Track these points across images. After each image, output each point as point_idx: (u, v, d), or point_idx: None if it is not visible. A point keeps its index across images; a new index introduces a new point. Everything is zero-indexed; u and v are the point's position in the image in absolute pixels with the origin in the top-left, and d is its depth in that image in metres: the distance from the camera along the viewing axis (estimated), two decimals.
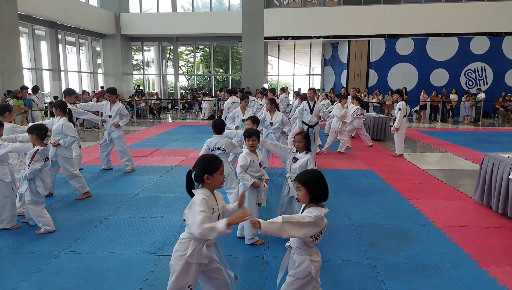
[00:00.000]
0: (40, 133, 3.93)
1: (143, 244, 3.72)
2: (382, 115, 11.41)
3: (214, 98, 17.66)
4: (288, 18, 17.35)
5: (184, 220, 2.22)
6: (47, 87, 16.11)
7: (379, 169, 6.86)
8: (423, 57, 16.72)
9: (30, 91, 11.27)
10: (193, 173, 2.24)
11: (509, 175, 4.34)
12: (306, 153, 3.56)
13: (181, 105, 19.06)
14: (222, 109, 11.19)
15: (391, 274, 3.17)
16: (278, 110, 6.53)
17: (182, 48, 22.07)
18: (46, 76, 15.93)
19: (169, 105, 20.14)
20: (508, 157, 4.58)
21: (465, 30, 16.25)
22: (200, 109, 17.56)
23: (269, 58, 20.77)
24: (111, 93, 6.54)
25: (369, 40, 17.16)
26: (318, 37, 17.63)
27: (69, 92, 6.32)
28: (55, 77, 15.70)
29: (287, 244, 2.35)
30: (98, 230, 4.05)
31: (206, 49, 22.06)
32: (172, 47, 20.88)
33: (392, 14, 16.60)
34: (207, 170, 2.21)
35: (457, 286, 3.00)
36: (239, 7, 18.58)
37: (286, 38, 17.81)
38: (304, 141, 3.55)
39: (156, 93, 19.48)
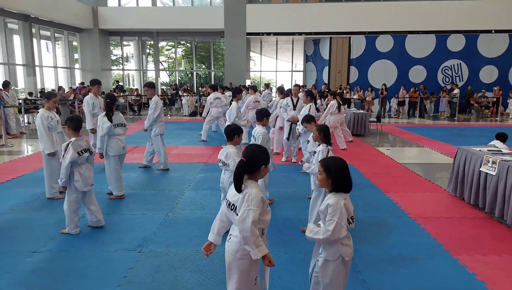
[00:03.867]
0: (72, 124, 3.78)
1: (122, 241, 3.69)
2: (362, 111, 11.60)
3: (196, 95, 17.51)
4: (270, 14, 17.36)
5: (235, 210, 2.06)
6: (21, 83, 15.59)
7: (359, 163, 6.98)
8: (402, 54, 17.07)
9: (0, 86, 10.85)
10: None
11: (480, 167, 4.51)
12: (326, 145, 3.65)
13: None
14: (204, 106, 11.15)
15: (367, 265, 3.25)
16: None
17: (162, 43, 21.76)
18: (20, 71, 15.41)
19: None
20: (480, 150, 4.75)
21: (442, 28, 16.67)
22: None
23: (251, 54, 20.74)
24: (149, 87, 6.49)
25: (350, 37, 17.37)
26: (300, 34, 17.72)
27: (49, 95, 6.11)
28: (30, 73, 15.21)
29: (317, 224, 2.36)
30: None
31: (188, 44, 21.83)
32: (152, 42, 20.55)
33: (372, 11, 16.84)
34: (265, 160, 2.12)
35: (431, 274, 3.11)
36: (221, 2, 18.44)
37: (268, 34, 17.82)
38: (317, 133, 3.71)
39: (136, 89, 19.16)
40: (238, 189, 2.05)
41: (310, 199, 4.87)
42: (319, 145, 3.72)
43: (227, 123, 6.65)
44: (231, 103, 7.17)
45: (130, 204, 4.79)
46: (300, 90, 7.56)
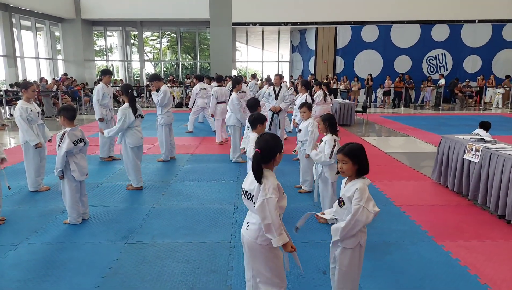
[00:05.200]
0: (67, 113, 3.71)
1: (107, 233, 3.64)
2: (348, 101, 11.66)
3: (181, 86, 17.30)
4: (256, 3, 17.17)
5: (252, 199, 2.08)
6: (1, 74, 15.13)
7: None
8: (388, 44, 17.17)
9: None
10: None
11: (463, 155, 4.59)
12: (332, 135, 3.69)
13: (147, 92, 18.56)
14: (190, 97, 11.02)
15: None
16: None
17: (147, 34, 21.36)
18: (0, 62, 14.93)
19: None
20: (463, 138, 4.83)
21: (427, 18, 16.81)
22: None
23: (237, 44, 20.54)
24: (154, 80, 6.38)
25: (336, 27, 17.37)
26: (286, 24, 17.62)
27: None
28: (11, 64, 14.76)
29: (332, 215, 2.36)
30: (59, 221, 3.91)
31: (173, 34, 21.49)
32: (136, 33, 20.16)
33: (358, 1, 16.83)
34: (279, 148, 2.13)
35: (415, 260, 3.17)
36: None
37: (254, 24, 17.66)
38: (322, 123, 3.73)
39: (121, 80, 18.82)
40: (259, 180, 2.04)
41: (297, 189, 4.95)
42: (325, 134, 3.73)
43: (228, 114, 6.53)
44: (230, 94, 7.01)
45: (115, 195, 4.73)
46: (281, 79, 7.49)
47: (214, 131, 8.60)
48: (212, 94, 7.91)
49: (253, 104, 4.70)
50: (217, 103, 7.84)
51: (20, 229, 3.71)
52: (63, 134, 3.66)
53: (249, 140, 3.62)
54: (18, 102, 4.89)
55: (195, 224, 3.85)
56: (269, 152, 2.09)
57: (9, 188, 3.98)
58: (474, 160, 4.38)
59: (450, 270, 3.01)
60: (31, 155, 4.75)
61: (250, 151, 3.51)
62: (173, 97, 16.30)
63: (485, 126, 5.31)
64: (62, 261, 3.11)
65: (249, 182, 2.12)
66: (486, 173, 4.18)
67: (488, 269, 3.03)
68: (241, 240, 2.23)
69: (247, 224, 2.17)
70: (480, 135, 5.04)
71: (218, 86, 8.10)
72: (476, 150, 4.37)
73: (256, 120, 3.59)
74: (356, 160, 2.22)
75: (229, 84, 10.86)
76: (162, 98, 6.20)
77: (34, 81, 13.71)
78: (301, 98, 6.65)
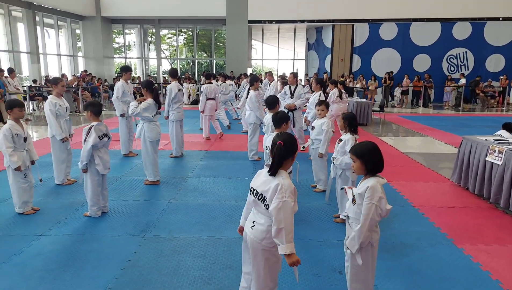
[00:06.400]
0: (94, 109, 3.82)
1: (126, 226, 3.71)
2: (365, 100, 11.52)
3: (197, 83, 17.41)
4: (273, 1, 17.12)
5: (264, 200, 2.01)
6: (25, 70, 15.57)
7: None
8: (406, 42, 16.86)
9: (6, 74, 10.85)
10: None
11: (486, 157, 4.48)
12: (351, 134, 3.65)
13: (164, 89, 18.76)
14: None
15: None
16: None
17: (164, 31, 21.58)
18: (24, 59, 15.36)
19: None
20: (486, 139, 4.71)
21: (448, 15, 16.42)
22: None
23: (253, 42, 20.55)
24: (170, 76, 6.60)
25: (353, 25, 17.15)
26: (302, 21, 17.51)
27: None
28: (34, 60, 15.17)
29: (344, 213, 2.35)
30: (80, 213, 4.01)
31: (189, 32, 21.64)
32: (154, 30, 20.39)
33: None
34: (296, 148, 2.11)
35: (433, 263, 3.12)
36: None
37: (270, 22, 17.62)
38: (342, 122, 3.70)
39: (138, 77, 19.08)
40: (274, 173, 2.00)
41: (312, 188, 4.93)
42: (345, 133, 3.70)
43: (247, 112, 6.60)
44: (248, 92, 7.05)
45: (134, 189, 4.81)
46: (296, 77, 7.50)
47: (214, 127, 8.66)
48: (202, 92, 8.16)
49: (272, 102, 4.69)
50: (207, 100, 8.12)
51: (43, 220, 3.82)
52: (90, 129, 3.75)
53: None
54: (48, 96, 5.04)
55: (211, 220, 3.89)
56: (291, 147, 2.05)
57: (40, 180, 4.12)
58: (497, 162, 4.27)
59: (470, 274, 2.95)
60: (58, 149, 4.89)
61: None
62: (189, 94, 16.45)
63: (509, 127, 5.15)
64: (82, 252, 3.19)
65: (261, 182, 2.05)
66: (510, 176, 4.07)
67: (511, 274, 2.95)
68: (244, 237, 2.20)
69: (253, 223, 2.10)
70: (503, 137, 4.90)
71: (207, 83, 8.24)
72: (499, 151, 4.26)
73: (282, 119, 3.53)
74: (363, 159, 2.21)
75: (244, 81, 10.91)
76: (168, 96, 6.34)
77: (63, 75, 14.05)
78: (315, 96, 6.62)
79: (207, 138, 8.22)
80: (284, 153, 2.03)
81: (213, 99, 8.12)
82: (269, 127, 4.39)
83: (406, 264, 3.09)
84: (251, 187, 2.13)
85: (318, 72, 18.20)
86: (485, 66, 16.81)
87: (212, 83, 8.41)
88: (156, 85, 5.13)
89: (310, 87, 10.91)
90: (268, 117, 4.57)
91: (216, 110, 8.58)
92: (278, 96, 7.39)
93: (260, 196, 2.02)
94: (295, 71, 10.21)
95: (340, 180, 3.80)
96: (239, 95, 12.55)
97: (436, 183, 5.29)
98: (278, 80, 11.25)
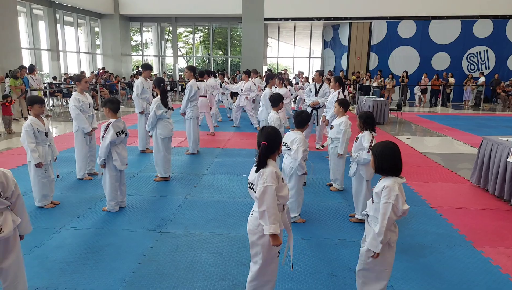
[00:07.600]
0: (112, 106, 3.91)
1: (143, 221, 3.77)
2: (382, 99, 11.36)
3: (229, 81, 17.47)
4: None
5: (252, 189, 2.19)
6: (46, 67, 15.96)
7: None
8: (425, 40, 16.52)
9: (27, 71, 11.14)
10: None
11: (507, 158, 4.36)
12: (370, 132, 3.65)
13: (180, 87, 18.94)
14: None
15: None
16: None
17: (181, 29, 21.74)
18: (45, 56, 15.75)
19: (168, 86, 19.99)
20: (507, 140, 4.59)
21: (469, 13, 16.01)
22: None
23: (269, 40, 20.50)
24: (188, 70, 6.63)
25: (370, 23, 16.92)
26: (319, 19, 17.36)
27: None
28: (54, 57, 15.53)
29: (364, 211, 2.37)
30: (98, 208, 4.09)
31: (206, 30, 21.75)
32: (171, 28, 20.57)
33: None
34: (281, 139, 2.27)
35: (451, 265, 3.06)
36: None
37: (287, 19, 17.54)
38: (358, 121, 3.71)
39: (155, 74, 19.29)
40: (261, 168, 2.14)
41: (329, 186, 4.91)
42: (362, 131, 3.69)
43: (260, 108, 6.73)
44: (264, 89, 7.12)
45: (150, 185, 4.88)
46: (321, 75, 7.45)
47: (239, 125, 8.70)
48: (186, 89, 8.11)
49: (276, 99, 4.66)
50: (200, 97, 7.98)
51: (63, 214, 3.92)
52: (108, 125, 3.83)
53: (296, 140, 3.52)
54: (72, 93, 5.17)
55: (226, 217, 3.91)
56: (274, 144, 2.19)
57: (57, 176, 4.22)
58: None
59: (490, 277, 2.89)
60: (80, 145, 5.01)
61: (294, 151, 3.50)
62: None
63: None
64: (101, 245, 3.26)
65: (252, 173, 2.21)
66: None
67: None
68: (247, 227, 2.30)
69: (252, 212, 2.26)
70: None
71: (199, 80, 8.15)
72: None
73: (305, 120, 3.64)
74: (374, 156, 2.25)
75: (256, 79, 10.89)
76: (188, 93, 6.37)
77: (82, 71, 14.31)
78: (334, 94, 6.55)
79: (212, 133, 8.33)
80: (268, 152, 2.15)
81: (205, 96, 7.99)
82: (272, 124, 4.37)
83: (423, 265, 3.05)
84: (248, 181, 2.28)
85: (334, 70, 18.04)
86: (506, 65, 16.33)
87: (204, 80, 8.40)
88: (163, 84, 5.16)
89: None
90: (271, 115, 4.56)
91: (210, 108, 8.61)
92: (303, 93, 7.45)
93: (251, 185, 2.20)
94: (319, 69, 10.11)
95: (355, 179, 3.77)
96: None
97: (454, 184, 5.18)
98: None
